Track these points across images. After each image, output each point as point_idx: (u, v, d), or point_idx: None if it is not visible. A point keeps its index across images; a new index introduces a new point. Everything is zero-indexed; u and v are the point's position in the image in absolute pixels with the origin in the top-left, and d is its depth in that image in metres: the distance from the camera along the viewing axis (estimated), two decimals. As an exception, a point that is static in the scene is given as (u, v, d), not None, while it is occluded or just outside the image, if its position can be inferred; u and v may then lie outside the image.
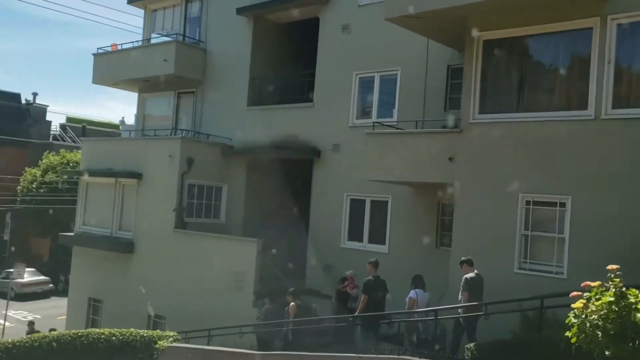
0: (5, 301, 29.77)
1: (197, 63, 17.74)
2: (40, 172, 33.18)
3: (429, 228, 12.87)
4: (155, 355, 11.93)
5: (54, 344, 12.62)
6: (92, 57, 19.41)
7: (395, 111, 14.05)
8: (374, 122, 12.77)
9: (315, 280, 14.52)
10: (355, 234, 14.37)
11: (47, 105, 41.79)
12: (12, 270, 31.16)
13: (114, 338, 12.46)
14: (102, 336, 12.56)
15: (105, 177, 17.30)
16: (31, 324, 18.54)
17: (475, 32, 10.56)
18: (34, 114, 40.13)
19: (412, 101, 13.38)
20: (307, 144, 15.37)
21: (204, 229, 15.89)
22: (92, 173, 17.59)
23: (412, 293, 10.50)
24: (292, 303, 11.51)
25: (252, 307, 13.59)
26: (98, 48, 19.61)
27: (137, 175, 16.50)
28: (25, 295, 29.91)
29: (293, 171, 16.27)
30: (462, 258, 9.73)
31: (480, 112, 10.70)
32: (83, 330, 12.98)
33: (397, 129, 12.64)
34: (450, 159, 10.78)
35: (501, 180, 10.18)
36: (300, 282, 14.76)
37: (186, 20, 18.60)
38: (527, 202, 10.01)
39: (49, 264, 34.08)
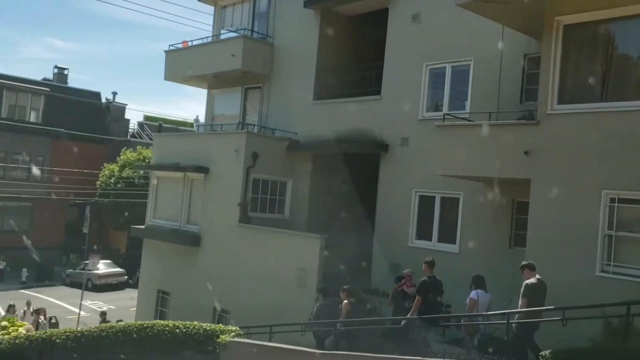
0: (82, 291, 31.33)
1: (264, 58, 17.67)
2: (117, 168, 34.38)
3: (503, 227, 12.13)
4: (217, 350, 11.86)
5: (120, 334, 12.79)
6: (164, 54, 19.80)
7: (467, 103, 13.35)
8: (444, 115, 12.14)
9: (381, 279, 14.04)
10: (424, 232, 13.79)
11: (126, 104, 43.36)
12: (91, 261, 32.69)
13: (177, 330, 12.48)
14: (167, 328, 12.59)
15: (173, 172, 17.53)
16: (103, 314, 19.12)
17: (554, 16, 9.78)
18: (114, 112, 41.70)
19: (486, 93, 12.64)
20: (374, 138, 14.92)
21: (268, 224, 15.77)
22: (162, 167, 17.87)
23: (472, 293, 9.96)
24: (345, 301, 11.17)
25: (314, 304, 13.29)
26: (169, 45, 20.00)
27: (204, 170, 16.59)
28: (102, 286, 31.12)
29: (359, 166, 15.86)
30: (523, 262, 9.11)
31: (559, 103, 9.89)
32: (148, 322, 13.08)
33: (470, 121, 11.96)
34: (526, 152, 10.02)
35: (581, 175, 9.36)
36: (366, 281, 14.34)
37: (254, 16, 18.56)
38: (612, 200, 9.13)
39: (125, 256, 35.29)
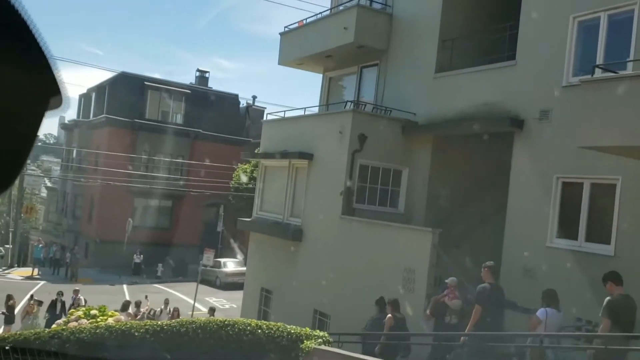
0: (211, 289, 31.29)
1: (380, 29, 15.47)
2: (250, 168, 34.14)
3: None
4: (300, 357, 10.04)
5: (200, 331, 11.39)
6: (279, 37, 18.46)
7: (629, 63, 10.07)
8: (596, 67, 9.08)
9: (512, 288, 11.11)
10: (567, 229, 10.66)
11: (265, 108, 43.52)
12: (220, 260, 32.65)
13: (259, 331, 10.88)
14: (248, 328, 11.03)
15: (278, 159, 15.97)
16: (212, 310, 18.09)
17: None
18: (253, 115, 41.98)
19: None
20: (506, 113, 12.04)
21: (378, 218, 13.49)
22: (268, 155, 16.42)
23: (540, 312, 8.32)
24: (389, 315, 10.10)
25: (423, 314, 10.81)
26: (285, 27, 18.57)
27: (308, 156, 14.79)
28: (230, 284, 30.78)
29: (488, 151, 13.06)
30: (606, 272, 7.61)
31: None
32: (230, 319, 11.55)
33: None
34: None
35: None
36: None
37: (374, -16, 16.47)
38: None
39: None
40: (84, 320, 12.88)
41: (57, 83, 0.86)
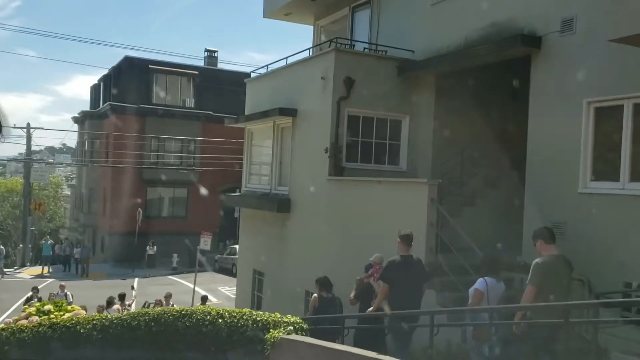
0: (227, 277, 29.43)
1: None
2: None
3: None
4: (267, 351, 7.99)
5: (153, 324, 9.38)
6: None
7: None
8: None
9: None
10: (604, 168, 8.20)
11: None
12: (237, 246, 30.75)
13: (220, 321, 8.83)
14: (208, 317, 9.01)
15: (262, 121, 13.78)
16: (204, 299, 16.20)
17: None
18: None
19: None
20: (519, 31, 9.53)
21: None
22: (250, 118, 14.24)
23: (478, 283, 6.97)
24: (314, 295, 9.10)
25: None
26: (265, -27, 16.30)
27: (291, 112, 12.56)
28: (247, 272, 28.91)
29: (501, 84, 10.65)
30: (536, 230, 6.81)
31: None
32: (188, 308, 9.49)
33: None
34: None
35: None
36: (514, 252, 9.09)
37: None
38: None
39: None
40: (35, 318, 11.02)
41: None
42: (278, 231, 13.04)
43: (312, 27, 16.45)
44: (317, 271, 10.61)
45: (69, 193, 56.44)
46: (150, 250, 30.61)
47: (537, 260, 6.42)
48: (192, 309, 9.44)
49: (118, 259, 32.44)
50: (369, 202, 10.19)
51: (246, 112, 15.11)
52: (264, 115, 13.28)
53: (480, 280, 6.93)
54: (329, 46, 11.96)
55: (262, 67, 14.45)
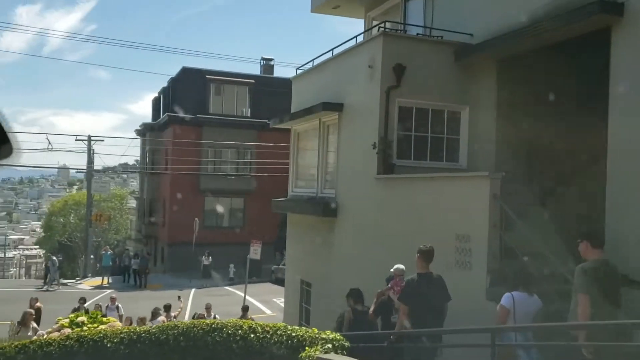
0: (282, 288, 28.52)
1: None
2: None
3: None
4: (299, 371, 6.94)
5: (182, 339, 8.50)
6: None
7: None
8: None
9: (624, 258, 7.18)
10: None
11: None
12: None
13: (252, 336, 7.87)
14: (239, 332, 8.05)
15: (304, 119, 12.78)
16: (245, 309, 15.33)
17: None
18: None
19: None
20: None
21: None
22: (294, 117, 13.28)
23: (504, 298, 6.28)
24: (347, 308, 8.45)
25: (485, 299, 7.23)
26: (314, -33, 15.39)
27: (337, 107, 11.49)
28: (303, 283, 27.96)
29: (575, 66, 9.20)
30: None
31: None
32: (219, 322, 8.55)
33: None
34: None
35: None
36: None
37: None
38: None
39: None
40: (67, 330, 10.38)
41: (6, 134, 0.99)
42: (325, 237, 11.96)
43: (362, 21, 15.37)
44: (366, 281, 9.47)
45: (134, 205, 57.54)
46: (206, 260, 30.20)
47: (581, 265, 5.50)
48: (223, 322, 8.52)
49: (177, 270, 32.28)
50: (422, 202, 8.95)
51: (292, 112, 14.16)
52: (307, 112, 12.28)
53: (506, 295, 6.27)
54: (377, 31, 10.83)
55: (308, 63, 13.48)
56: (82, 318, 11.14)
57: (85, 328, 10.51)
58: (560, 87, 9.93)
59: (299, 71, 14.18)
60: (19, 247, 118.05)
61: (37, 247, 56.09)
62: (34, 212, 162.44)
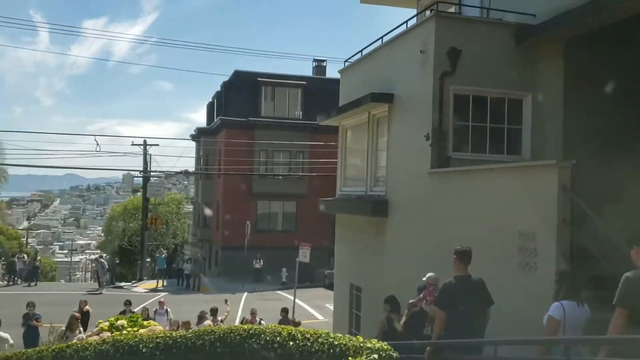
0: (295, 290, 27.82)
1: None
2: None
3: None
4: (344, 384, 6.23)
5: (218, 344, 7.92)
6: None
7: None
8: None
9: None
10: None
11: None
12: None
13: (291, 343, 7.17)
14: (278, 339, 7.38)
15: (353, 113, 12.05)
16: (285, 311, 14.74)
17: None
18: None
19: None
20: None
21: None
22: (340, 111, 12.58)
23: (553, 308, 5.55)
24: (382, 317, 7.99)
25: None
26: (364, -46, 14.67)
27: (387, 98, 10.71)
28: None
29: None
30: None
31: None
32: (257, 327, 7.93)
33: None
34: None
35: None
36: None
37: None
38: None
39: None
40: (107, 333, 10.03)
41: None
42: (374, 238, 11.18)
43: (414, 11, 14.53)
44: (416, 287, 8.64)
45: (190, 209, 58.21)
46: (257, 264, 29.87)
47: (627, 274, 4.68)
48: (261, 328, 7.90)
49: (230, 273, 32.14)
50: (481, 197, 8.05)
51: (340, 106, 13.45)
52: (355, 105, 11.55)
53: (555, 305, 5.62)
54: (430, 13, 10.00)
55: (357, 54, 12.75)
56: (122, 321, 10.79)
57: (124, 332, 10.10)
58: (636, 68, 8.84)
59: (347, 64, 13.45)
60: (86, 251, 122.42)
61: (99, 250, 57.54)
62: (99, 218, 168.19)
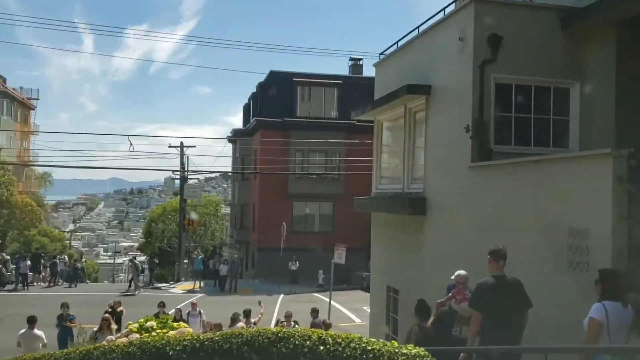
0: (330, 292, 27.27)
1: None
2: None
3: None
4: (376, 393, 5.76)
5: (246, 348, 7.54)
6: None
7: None
8: None
9: None
10: None
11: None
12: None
13: (321, 348, 6.71)
14: (307, 343, 6.93)
15: (389, 107, 11.56)
16: (315, 311, 14.32)
17: None
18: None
19: None
20: None
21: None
22: (375, 104, 12.11)
23: (594, 309, 5.19)
24: (414, 325, 7.33)
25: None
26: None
27: (424, 90, 10.20)
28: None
29: None
30: None
31: None
32: (286, 330, 7.52)
33: None
34: None
35: None
36: None
37: None
38: None
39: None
40: (136, 335, 9.80)
41: None
42: (412, 238, 10.67)
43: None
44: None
45: (227, 211, 58.45)
46: (293, 266, 29.55)
47: None
48: (291, 331, 7.51)
49: (266, 275, 31.94)
50: (526, 191, 7.47)
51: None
52: (391, 97, 11.07)
53: (596, 306, 5.25)
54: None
55: (392, 45, 12.26)
56: (152, 323, 10.56)
57: (154, 333, 9.86)
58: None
59: (382, 57, 12.97)
60: (129, 253, 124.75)
61: (140, 252, 58.26)
62: (142, 220, 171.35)
